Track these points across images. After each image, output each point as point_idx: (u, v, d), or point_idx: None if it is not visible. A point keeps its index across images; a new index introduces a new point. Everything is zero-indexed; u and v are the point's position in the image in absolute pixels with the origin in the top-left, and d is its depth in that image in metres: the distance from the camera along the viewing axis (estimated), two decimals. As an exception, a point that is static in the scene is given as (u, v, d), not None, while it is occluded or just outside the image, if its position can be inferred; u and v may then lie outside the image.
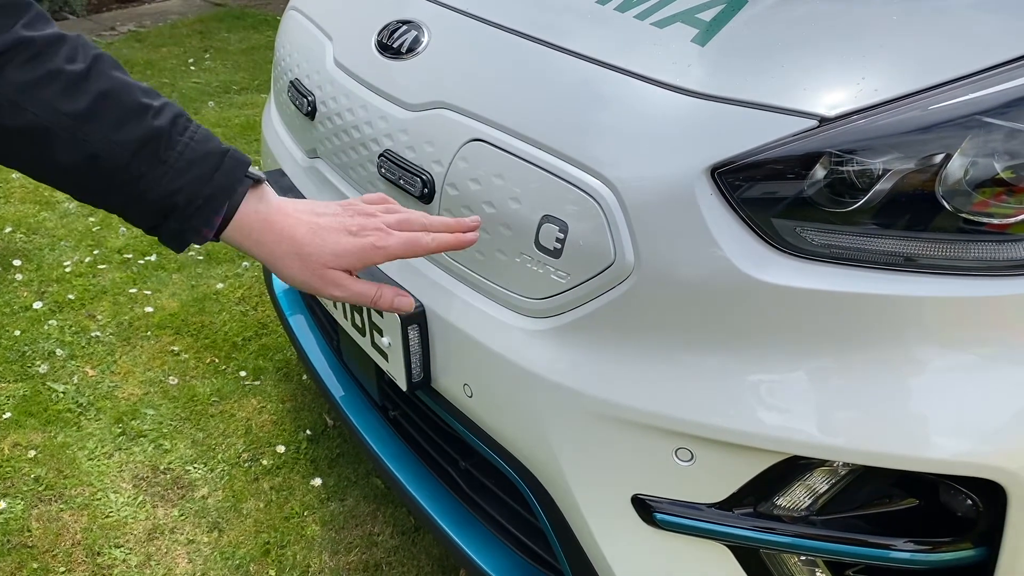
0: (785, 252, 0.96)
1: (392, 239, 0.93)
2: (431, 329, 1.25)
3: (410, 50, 1.33)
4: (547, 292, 1.10)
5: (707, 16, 1.13)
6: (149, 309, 2.49)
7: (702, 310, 0.98)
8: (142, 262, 2.73)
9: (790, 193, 0.95)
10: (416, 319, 1.25)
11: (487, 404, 1.20)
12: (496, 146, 1.14)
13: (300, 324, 1.93)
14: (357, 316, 1.38)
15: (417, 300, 1.25)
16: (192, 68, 4.64)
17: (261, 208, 0.89)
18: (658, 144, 1.00)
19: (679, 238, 0.98)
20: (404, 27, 1.38)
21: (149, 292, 2.58)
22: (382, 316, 1.29)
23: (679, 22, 1.13)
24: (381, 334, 1.31)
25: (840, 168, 0.93)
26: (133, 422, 2.07)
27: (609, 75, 1.09)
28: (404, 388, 1.30)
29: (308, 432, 2.04)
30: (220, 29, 5.36)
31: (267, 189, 0.91)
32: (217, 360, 2.30)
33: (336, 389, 1.69)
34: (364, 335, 1.38)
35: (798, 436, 0.96)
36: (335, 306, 1.48)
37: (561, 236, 1.06)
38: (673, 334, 1.01)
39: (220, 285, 2.62)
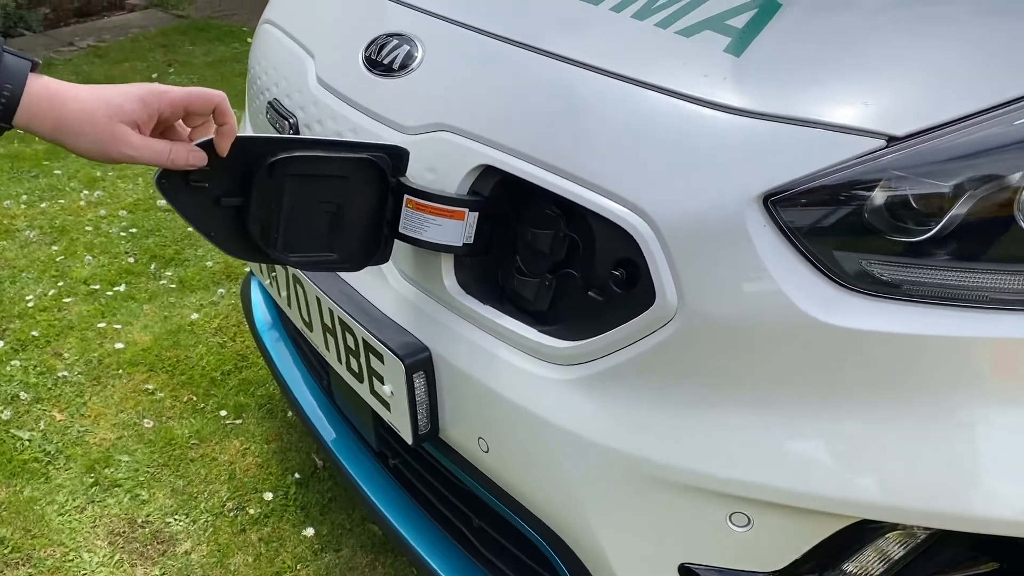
0: (850, 289, 0.84)
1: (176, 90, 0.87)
2: (439, 376, 1.13)
3: (403, 67, 1.21)
4: (577, 336, 0.98)
5: (738, 23, 1.01)
6: (120, 345, 2.33)
7: (757, 356, 0.87)
8: (110, 293, 2.57)
9: (854, 222, 0.84)
10: (421, 366, 1.12)
11: (506, 460, 1.07)
12: (510, 174, 1.01)
13: (284, 359, 1.79)
14: (353, 360, 1.25)
15: (423, 344, 1.13)
16: (156, 83, 4.46)
17: (50, 86, 0.84)
18: (699, 169, 0.89)
19: (729, 276, 0.86)
20: (394, 41, 1.25)
21: (119, 326, 2.42)
22: (383, 362, 1.16)
23: (707, 30, 1.02)
24: (382, 381, 1.18)
25: (910, 193, 0.82)
26: (106, 470, 1.92)
27: (634, 91, 0.98)
28: (410, 441, 1.17)
29: (297, 475, 1.90)
30: (184, 42, 5.19)
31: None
32: (195, 398, 2.15)
33: (327, 432, 1.56)
34: (362, 381, 1.25)
35: (868, 497, 0.85)
36: (327, 347, 1.34)
37: (590, 275, 0.94)
38: (723, 384, 0.89)
39: (195, 315, 2.47)
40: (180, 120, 0.88)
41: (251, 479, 1.90)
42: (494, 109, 1.07)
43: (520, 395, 1.02)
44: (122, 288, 2.60)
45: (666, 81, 0.96)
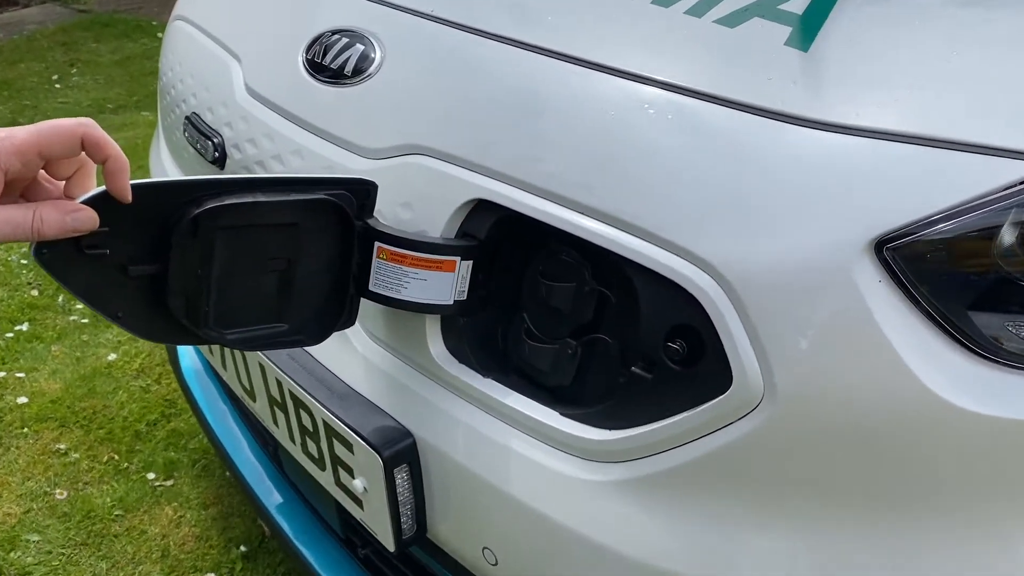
0: (995, 362, 0.63)
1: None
2: (427, 468, 0.88)
3: (357, 72, 0.95)
4: (613, 423, 0.75)
5: (794, 7, 0.79)
6: (23, 399, 2.01)
7: (873, 455, 0.65)
8: (11, 334, 2.24)
9: (1002, 272, 0.62)
10: (404, 458, 0.88)
11: (523, 577, 0.84)
12: (515, 212, 0.77)
13: (219, 414, 1.52)
14: (311, 444, 1.00)
15: (404, 429, 0.88)
16: (57, 86, 4.06)
17: None
18: (783, 208, 0.66)
19: (833, 348, 0.64)
20: (343, 39, 0.99)
21: (22, 374, 2.09)
22: (352, 452, 0.91)
23: (756, 17, 0.79)
24: (351, 474, 0.94)
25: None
26: (12, 554, 1.62)
27: (673, 99, 0.74)
28: (391, 549, 0.93)
29: (242, 548, 1.63)
30: (87, 39, 4.76)
31: None
32: (117, 457, 1.85)
33: (280, 515, 1.30)
34: (323, 469, 1.00)
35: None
36: (275, 423, 1.08)
37: (638, 350, 0.71)
38: (829, 493, 0.67)
39: (112, 355, 2.16)
40: (43, 171, 0.61)
41: (188, 555, 1.62)
42: (486, 125, 0.82)
43: (541, 500, 0.79)
44: (25, 327, 2.27)
45: (714, 86, 0.73)
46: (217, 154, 1.12)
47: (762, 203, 0.66)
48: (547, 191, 0.76)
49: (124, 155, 0.63)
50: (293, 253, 0.78)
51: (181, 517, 1.70)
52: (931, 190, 0.62)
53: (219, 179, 0.73)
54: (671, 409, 0.71)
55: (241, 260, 0.75)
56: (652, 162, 0.71)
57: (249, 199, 0.73)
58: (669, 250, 0.69)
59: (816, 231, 0.64)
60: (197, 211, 0.70)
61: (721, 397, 0.67)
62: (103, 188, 0.63)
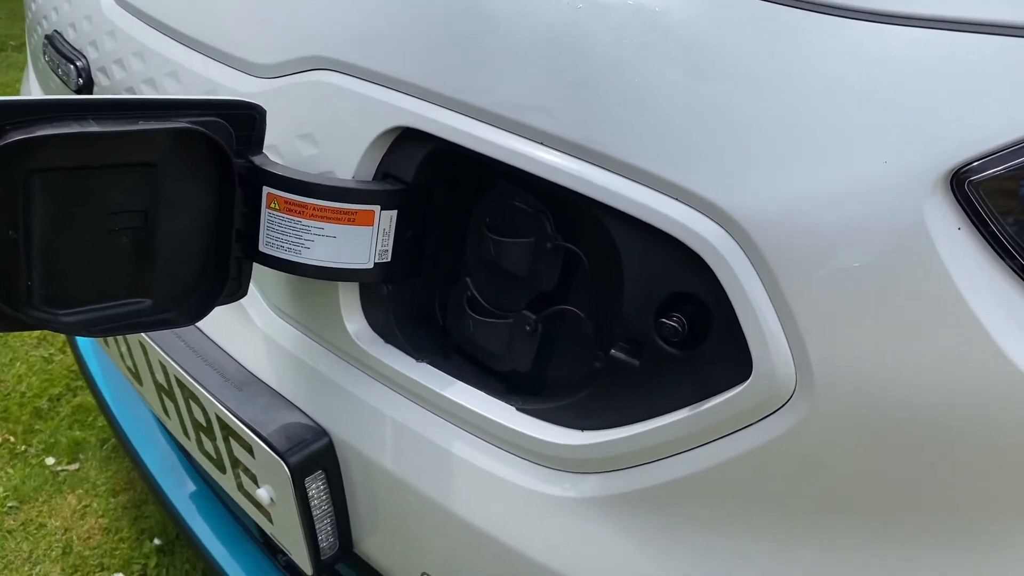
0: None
1: None
2: (349, 473, 0.70)
3: (246, -33, 0.73)
4: (589, 421, 0.57)
5: None
6: (-99, 375, 1.77)
7: (947, 466, 0.48)
8: None
9: None
10: (318, 463, 0.69)
11: (473, 612, 0.66)
12: (452, 144, 0.57)
13: (119, 393, 1.31)
14: (207, 441, 0.80)
15: (318, 427, 0.69)
16: (-46, 23, 3.69)
17: None
18: (818, 128, 0.47)
19: (892, 321, 0.46)
20: (230, -73, 0.77)
21: (-98, 346, 1.85)
22: (253, 456, 0.71)
23: None
24: (255, 482, 0.74)
25: None
26: None
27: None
28: (308, 572, 0.74)
29: (157, 541, 1.43)
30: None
31: None
32: (12, 439, 1.63)
33: (189, 513, 1.10)
34: (224, 472, 0.81)
35: None
36: (166, 414, 0.88)
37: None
38: (888, 521, 0.50)
39: (10, 322, 1.92)
40: None
41: (94, 551, 1.42)
42: (413, 28, 0.62)
43: (492, 519, 0.60)
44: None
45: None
46: (81, 81, 0.90)
47: (791, 123, 0.48)
48: (493, 114, 0.56)
49: None
50: (149, 204, 0.57)
51: (86, 507, 1.50)
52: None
53: (29, 102, 0.52)
54: (665, 405, 0.52)
55: (74, 215, 0.55)
56: (635, 69, 0.52)
57: (76, 129, 0.52)
58: (661, 190, 0.50)
59: (868, 161, 0.46)
60: (1, 144, 0.49)
61: (737, 390, 0.49)
62: None
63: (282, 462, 0.67)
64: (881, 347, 0.46)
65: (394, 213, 0.61)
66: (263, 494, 0.73)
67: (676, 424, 0.51)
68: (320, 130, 0.64)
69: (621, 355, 0.54)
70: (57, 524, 1.47)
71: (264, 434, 0.68)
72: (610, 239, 0.53)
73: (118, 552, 1.42)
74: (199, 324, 0.74)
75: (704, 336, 0.51)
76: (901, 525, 0.49)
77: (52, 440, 1.63)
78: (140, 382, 0.91)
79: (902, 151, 0.45)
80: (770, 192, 0.47)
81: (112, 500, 1.51)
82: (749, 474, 0.50)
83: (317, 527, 0.72)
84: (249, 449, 0.71)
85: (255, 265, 0.64)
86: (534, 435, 0.58)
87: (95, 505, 1.50)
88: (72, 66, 0.90)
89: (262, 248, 0.62)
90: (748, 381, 0.48)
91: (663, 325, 0.51)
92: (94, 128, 0.53)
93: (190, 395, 0.77)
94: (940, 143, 0.45)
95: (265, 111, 0.61)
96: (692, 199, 0.49)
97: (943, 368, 0.45)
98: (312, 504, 0.70)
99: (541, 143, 0.54)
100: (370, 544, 0.73)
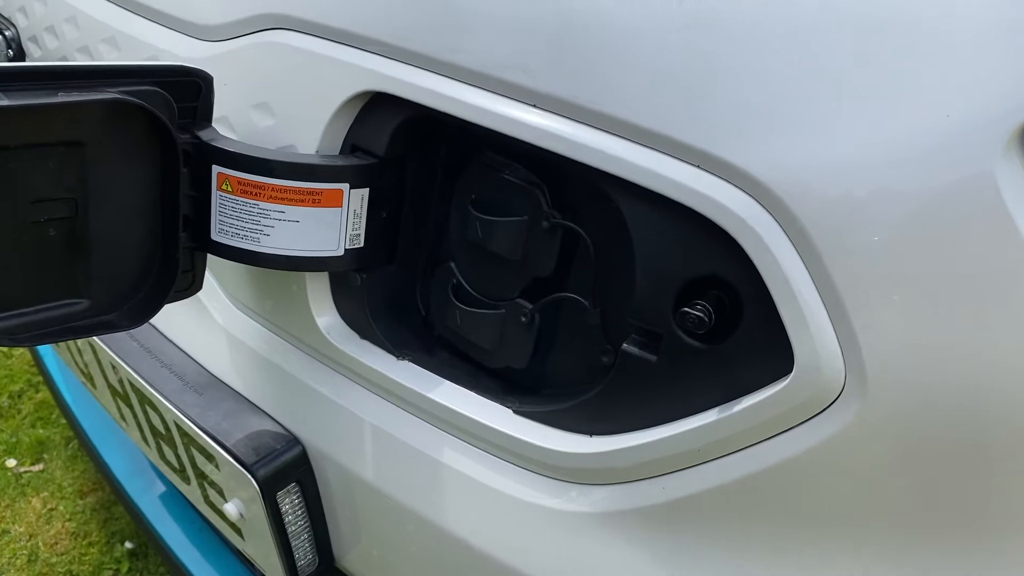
0: None
1: None
2: (327, 485, 0.62)
3: (188, -85, 0.64)
4: (596, 425, 0.49)
5: None
6: None
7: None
8: None
9: None
10: (290, 476, 0.61)
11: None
12: (430, 108, 0.50)
13: (79, 392, 1.22)
14: (168, 450, 0.72)
15: (288, 434, 0.61)
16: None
17: None
18: (868, 78, 0.40)
19: (963, 307, 0.39)
20: None
21: None
22: (217, 468, 0.64)
23: None
24: (222, 495, 0.67)
25: None
26: None
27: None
28: (286, 593, 0.67)
29: (128, 544, 1.35)
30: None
31: None
32: (-29, 441, 1.54)
33: (158, 518, 1.03)
34: (187, 483, 0.73)
35: None
36: (123, 419, 0.80)
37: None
38: (956, 538, 0.43)
39: (-35, 316, 1.82)
40: None
41: (62, 558, 1.34)
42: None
43: (488, 537, 0.53)
44: None
45: None
46: (11, 52, 0.81)
47: (836, 74, 0.40)
48: (476, 72, 0.48)
49: None
50: (78, 191, 0.49)
51: (52, 510, 1.42)
52: None
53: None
54: (688, 407, 0.45)
55: (-10, 204, 0.46)
56: (636, 7, 0.44)
57: None
58: (678, 156, 0.42)
59: (927, 114, 0.39)
60: None
61: (776, 388, 0.42)
62: None
63: (249, 475, 0.60)
64: (946, 336, 0.39)
65: (365, 192, 0.54)
66: (231, 509, 0.65)
67: (703, 429, 0.44)
68: (277, 98, 0.56)
69: (635, 349, 0.47)
70: (21, 530, 1.39)
71: (228, 444, 0.61)
72: (618, 215, 0.46)
73: (87, 558, 1.34)
74: (153, 321, 0.66)
75: (734, 326, 0.43)
76: (967, 549, 0.42)
77: (14, 440, 1.54)
78: (94, 385, 0.83)
79: (968, 102, 0.38)
80: (807, 154, 0.40)
81: (80, 502, 1.43)
82: (789, 485, 0.44)
83: (293, 544, 0.64)
84: (212, 460, 0.64)
85: (210, 256, 0.56)
86: (534, 441, 0.51)
87: (61, 508, 1.42)
88: (1, 36, 0.81)
89: (215, 236, 0.54)
90: (789, 377, 0.41)
91: (686, 315, 0.43)
92: (4, 102, 0.44)
93: (146, 400, 0.69)
94: (1015, 96, 0.38)
95: (212, 78, 0.52)
96: (719, 166, 0.41)
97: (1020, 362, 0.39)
98: (286, 520, 0.63)
99: (533, 104, 0.46)
100: (353, 559, 0.66)
